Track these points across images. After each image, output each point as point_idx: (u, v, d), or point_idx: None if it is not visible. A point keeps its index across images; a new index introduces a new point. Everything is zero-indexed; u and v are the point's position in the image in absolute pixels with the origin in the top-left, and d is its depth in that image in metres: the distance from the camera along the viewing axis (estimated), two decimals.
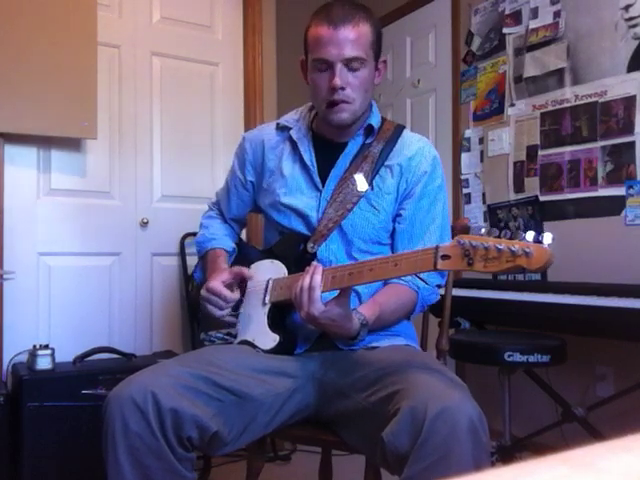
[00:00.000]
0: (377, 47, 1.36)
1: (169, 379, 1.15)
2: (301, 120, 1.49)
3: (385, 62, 1.40)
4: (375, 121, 1.44)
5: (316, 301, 1.15)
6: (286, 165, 1.46)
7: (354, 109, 1.36)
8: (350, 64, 1.31)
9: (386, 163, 1.41)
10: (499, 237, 0.92)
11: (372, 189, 1.39)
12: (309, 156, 1.44)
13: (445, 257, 0.98)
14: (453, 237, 1.49)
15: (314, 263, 1.21)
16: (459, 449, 0.99)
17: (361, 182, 1.39)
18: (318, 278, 1.16)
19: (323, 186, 1.41)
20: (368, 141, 1.43)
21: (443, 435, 0.99)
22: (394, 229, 1.42)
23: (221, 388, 1.20)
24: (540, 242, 0.88)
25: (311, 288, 1.16)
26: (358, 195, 1.38)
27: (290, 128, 1.48)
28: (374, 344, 1.37)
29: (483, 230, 0.94)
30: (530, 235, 0.89)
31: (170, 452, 1.11)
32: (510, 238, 0.91)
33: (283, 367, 1.31)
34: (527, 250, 0.87)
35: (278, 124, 1.52)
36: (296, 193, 1.43)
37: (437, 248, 1.00)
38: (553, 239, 0.89)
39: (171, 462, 1.11)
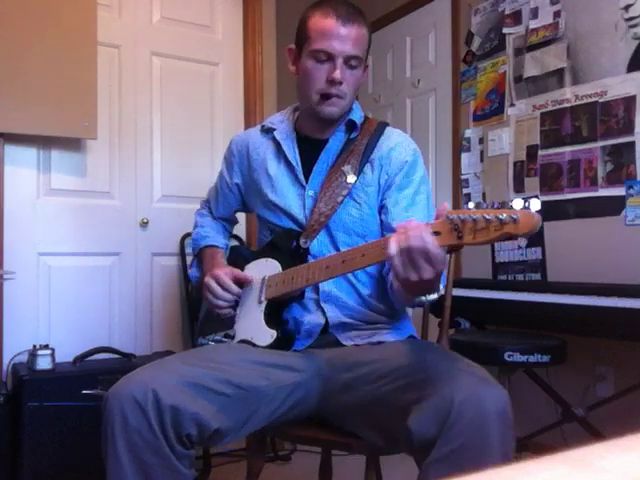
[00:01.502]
0: (368, 51, 1.41)
1: (171, 376, 1.16)
2: (285, 121, 1.52)
3: (367, 67, 1.45)
4: (357, 117, 1.46)
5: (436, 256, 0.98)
6: (271, 165, 1.49)
7: (344, 105, 1.39)
8: (349, 61, 1.35)
9: (369, 158, 1.42)
10: (488, 208, 0.92)
11: (354, 183, 1.40)
12: (293, 155, 1.46)
13: (436, 233, 0.97)
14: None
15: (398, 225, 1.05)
16: (488, 432, 1.01)
17: (350, 176, 1.40)
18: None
19: (307, 183, 1.43)
20: (353, 135, 1.45)
21: (471, 419, 1.01)
22: (381, 221, 1.43)
23: (227, 383, 1.20)
24: (527, 208, 0.88)
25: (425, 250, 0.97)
26: (348, 187, 1.39)
27: (274, 129, 1.51)
28: (378, 339, 1.39)
29: (471, 204, 0.94)
30: (517, 203, 0.89)
31: (169, 449, 1.11)
32: (498, 208, 0.91)
33: (288, 362, 1.31)
34: (514, 216, 0.87)
35: (263, 126, 1.55)
36: (282, 192, 1.45)
37: (427, 225, 0.99)
38: (541, 205, 0.89)
39: (169, 459, 1.11)
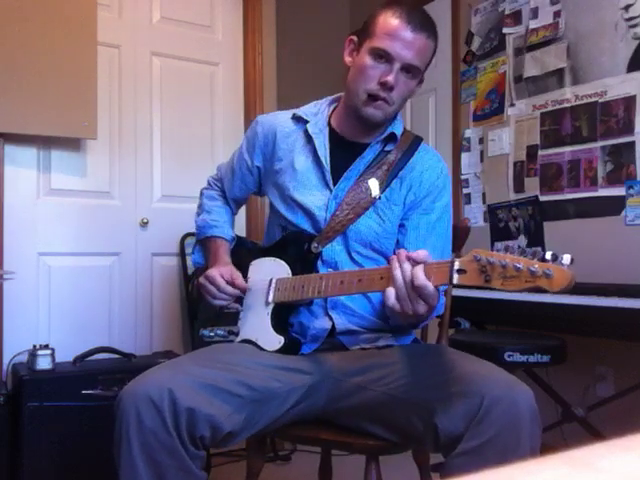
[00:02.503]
0: (429, 64, 1.37)
1: (187, 377, 1.15)
2: (319, 114, 1.45)
3: (422, 82, 1.39)
4: (398, 130, 1.42)
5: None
6: (298, 158, 1.42)
7: (390, 112, 1.35)
8: (407, 70, 1.30)
9: (399, 174, 1.39)
10: (515, 254, 0.90)
11: (379, 198, 1.37)
12: (324, 153, 1.40)
13: (461, 271, 0.96)
14: (455, 244, 1.48)
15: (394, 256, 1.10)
16: (518, 427, 1.03)
17: (375, 188, 1.36)
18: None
19: (334, 185, 1.39)
20: (388, 148, 1.41)
21: (501, 414, 1.03)
22: (397, 240, 1.40)
23: (241, 384, 1.19)
24: (560, 262, 0.86)
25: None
26: (370, 201, 1.36)
27: (307, 121, 1.44)
28: (384, 343, 1.39)
29: (500, 245, 0.93)
30: (549, 254, 0.87)
31: (183, 450, 1.10)
32: (527, 256, 0.88)
33: (297, 365, 1.31)
34: (547, 271, 0.85)
35: (294, 114, 1.47)
36: (306, 189, 1.40)
37: (453, 262, 0.98)
38: (572, 260, 0.86)
39: (184, 460, 1.11)
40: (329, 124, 1.44)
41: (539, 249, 0.89)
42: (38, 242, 2.38)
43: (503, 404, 1.04)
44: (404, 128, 1.46)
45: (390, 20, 1.29)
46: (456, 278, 0.97)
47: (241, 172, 1.55)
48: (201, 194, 1.66)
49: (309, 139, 1.42)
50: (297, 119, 1.46)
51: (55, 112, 2.24)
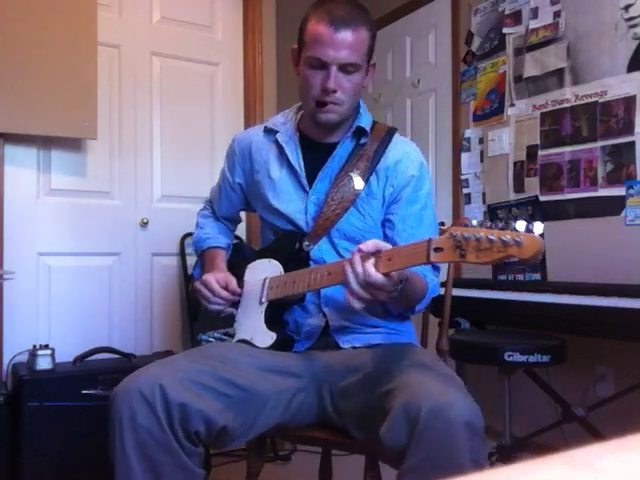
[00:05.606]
0: (371, 51, 1.36)
1: (177, 373, 1.16)
2: (288, 123, 1.49)
3: (374, 65, 1.40)
4: (365, 123, 1.43)
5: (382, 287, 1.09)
6: (274, 169, 1.46)
7: (342, 111, 1.36)
8: (345, 68, 1.31)
9: (376, 168, 1.40)
10: (491, 228, 0.92)
11: (361, 191, 1.38)
12: (296, 158, 1.44)
13: (438, 249, 0.99)
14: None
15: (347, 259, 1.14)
16: (455, 441, 1.00)
17: (358, 181, 1.38)
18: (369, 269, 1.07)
19: (310, 188, 1.41)
20: (362, 141, 1.42)
21: (438, 429, 1.00)
22: (385, 234, 1.41)
23: (229, 383, 1.20)
24: (531, 231, 0.89)
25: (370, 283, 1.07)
26: (355, 194, 1.38)
27: (277, 131, 1.48)
28: (378, 341, 1.39)
29: (475, 222, 0.94)
30: (521, 225, 0.90)
31: (178, 446, 1.11)
32: (502, 229, 0.91)
33: (288, 367, 1.32)
34: (517, 239, 0.88)
35: (265, 127, 1.52)
36: (284, 196, 1.44)
37: (430, 241, 1.00)
38: (544, 229, 0.90)
39: (180, 457, 1.11)
40: (299, 130, 1.47)
41: (511, 221, 0.91)
42: (38, 242, 2.38)
43: (438, 418, 1.01)
44: (374, 121, 1.48)
45: (315, 26, 1.30)
46: (434, 256, 0.99)
47: (226, 191, 1.60)
48: (197, 216, 1.72)
49: (281, 148, 1.46)
50: (268, 131, 1.51)
51: (55, 112, 2.24)
